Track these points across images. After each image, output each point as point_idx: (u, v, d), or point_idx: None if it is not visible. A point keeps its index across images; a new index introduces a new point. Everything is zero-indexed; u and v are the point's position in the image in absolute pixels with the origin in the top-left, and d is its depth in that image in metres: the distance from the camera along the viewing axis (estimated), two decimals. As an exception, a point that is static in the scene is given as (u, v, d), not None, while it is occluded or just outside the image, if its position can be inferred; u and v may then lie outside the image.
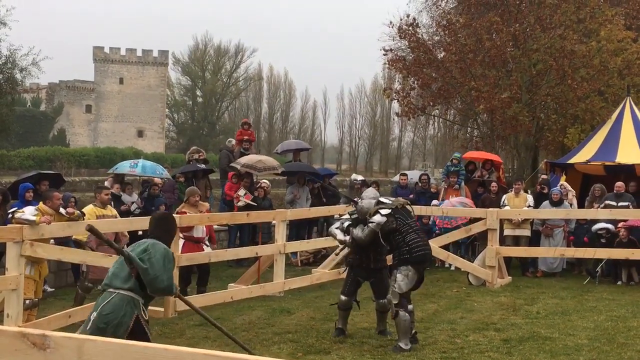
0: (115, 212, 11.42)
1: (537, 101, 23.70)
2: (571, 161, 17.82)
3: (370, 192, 9.68)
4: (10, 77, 24.72)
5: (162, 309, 10.68)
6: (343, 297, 9.49)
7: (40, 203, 10.17)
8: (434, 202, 16.40)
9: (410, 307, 8.87)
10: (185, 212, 11.91)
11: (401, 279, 8.71)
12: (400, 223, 8.86)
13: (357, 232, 9.19)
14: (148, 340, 6.13)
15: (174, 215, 9.87)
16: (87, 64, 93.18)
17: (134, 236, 12.06)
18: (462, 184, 17.25)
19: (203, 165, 17.42)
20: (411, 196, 16.73)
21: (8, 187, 13.96)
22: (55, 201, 10.07)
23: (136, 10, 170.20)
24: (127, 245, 10.83)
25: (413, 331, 8.87)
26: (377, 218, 8.89)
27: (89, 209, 10.86)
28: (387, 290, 9.07)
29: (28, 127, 70.29)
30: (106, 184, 16.32)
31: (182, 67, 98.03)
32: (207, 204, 13.56)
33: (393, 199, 9.57)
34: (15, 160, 52.34)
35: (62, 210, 10.32)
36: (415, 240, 8.80)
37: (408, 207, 9.32)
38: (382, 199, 9.28)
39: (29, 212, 9.87)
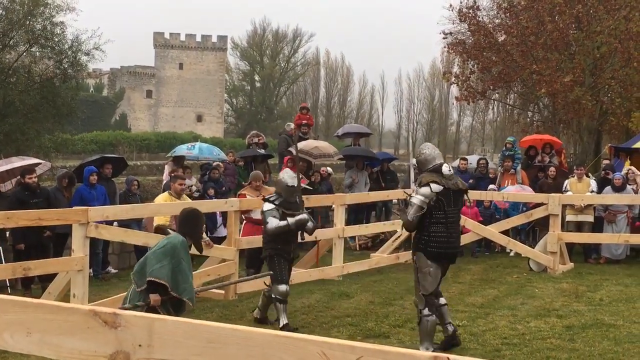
0: (190, 201, 11.40)
1: (600, 84, 23.22)
2: (636, 146, 17.41)
3: (431, 147, 8.45)
4: (74, 61, 25.18)
5: (222, 292, 10.82)
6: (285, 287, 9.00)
7: None
8: (491, 186, 16.18)
9: (442, 300, 8.16)
10: (244, 195, 12.00)
11: (423, 279, 7.94)
12: (436, 207, 7.85)
13: (402, 217, 8.16)
14: None
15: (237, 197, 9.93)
16: (148, 50, 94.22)
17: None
18: (518, 168, 16.89)
19: (262, 150, 17.51)
20: (471, 181, 16.56)
21: (72, 170, 14.26)
22: None
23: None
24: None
25: (452, 329, 8.12)
26: (425, 191, 7.79)
27: (163, 196, 10.98)
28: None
29: (91, 111, 71.43)
30: (166, 167, 16.54)
31: (241, 52, 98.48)
32: (271, 189, 13.53)
33: (453, 174, 8.23)
34: (79, 145, 53.42)
35: None
36: (439, 233, 7.83)
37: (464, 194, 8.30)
38: (445, 168, 8.02)
39: None
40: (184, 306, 6.73)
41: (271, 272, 8.91)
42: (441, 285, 8.42)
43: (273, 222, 8.90)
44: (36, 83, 25.23)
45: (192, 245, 7.12)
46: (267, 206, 9.00)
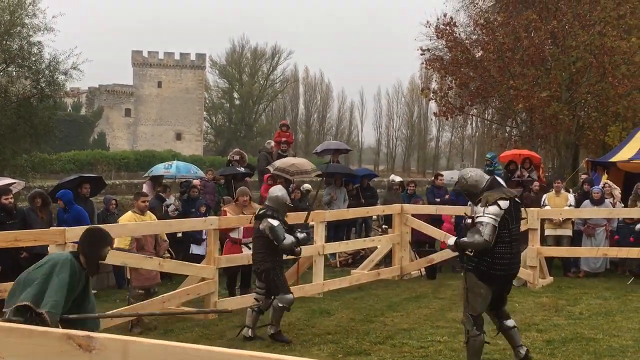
0: (154, 218, 11.34)
1: (577, 99, 23.44)
2: (613, 159, 17.53)
3: (473, 170, 8.12)
4: (52, 80, 25.10)
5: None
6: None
7: None
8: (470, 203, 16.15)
9: (510, 322, 7.89)
10: (226, 213, 11.92)
11: (474, 300, 7.56)
12: (501, 226, 7.41)
13: (472, 237, 7.49)
14: None
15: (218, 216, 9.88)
16: (126, 68, 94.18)
17: (172, 239, 12.15)
18: (496, 183, 16.91)
19: (242, 168, 17.47)
20: (447, 197, 16.57)
21: (50, 190, 14.15)
22: None
23: (174, 13, 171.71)
24: (168, 251, 10.93)
25: (524, 351, 7.81)
26: (494, 210, 7.35)
27: (127, 215, 10.88)
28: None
29: (69, 131, 71.19)
30: (144, 187, 16.44)
31: (220, 69, 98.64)
32: (258, 206, 13.45)
33: (504, 185, 7.88)
34: (57, 164, 53.13)
35: None
36: (503, 254, 7.43)
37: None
38: (500, 179, 7.75)
39: None
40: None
41: None
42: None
43: (289, 238, 9.34)
44: (13, 102, 25.11)
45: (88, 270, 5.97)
46: (275, 222, 9.24)
